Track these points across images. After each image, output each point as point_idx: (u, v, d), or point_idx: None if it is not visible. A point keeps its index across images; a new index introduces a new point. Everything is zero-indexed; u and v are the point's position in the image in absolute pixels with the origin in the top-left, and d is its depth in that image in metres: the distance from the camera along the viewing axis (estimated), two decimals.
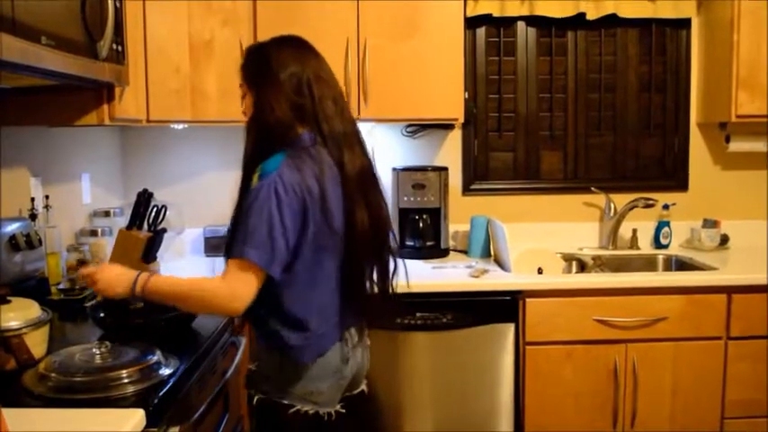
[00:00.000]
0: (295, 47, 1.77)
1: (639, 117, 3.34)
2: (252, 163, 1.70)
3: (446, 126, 3.21)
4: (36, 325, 1.63)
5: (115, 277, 1.72)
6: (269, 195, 1.59)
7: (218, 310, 1.68)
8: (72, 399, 1.43)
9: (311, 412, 1.72)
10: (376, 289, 1.83)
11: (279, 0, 2.75)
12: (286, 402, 1.71)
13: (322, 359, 1.74)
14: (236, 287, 1.59)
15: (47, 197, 2.35)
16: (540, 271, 2.88)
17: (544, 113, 3.32)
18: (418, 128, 3.23)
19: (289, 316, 1.69)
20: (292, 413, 1.71)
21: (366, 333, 1.94)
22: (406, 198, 3.02)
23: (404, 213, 3.04)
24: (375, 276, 1.82)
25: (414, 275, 2.61)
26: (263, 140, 1.71)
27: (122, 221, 2.50)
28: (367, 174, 1.78)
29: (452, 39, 2.83)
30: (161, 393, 1.49)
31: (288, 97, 1.69)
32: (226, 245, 1.71)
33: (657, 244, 3.25)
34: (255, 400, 1.75)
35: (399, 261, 1.89)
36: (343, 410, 1.80)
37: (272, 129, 1.69)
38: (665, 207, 3.25)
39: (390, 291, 1.86)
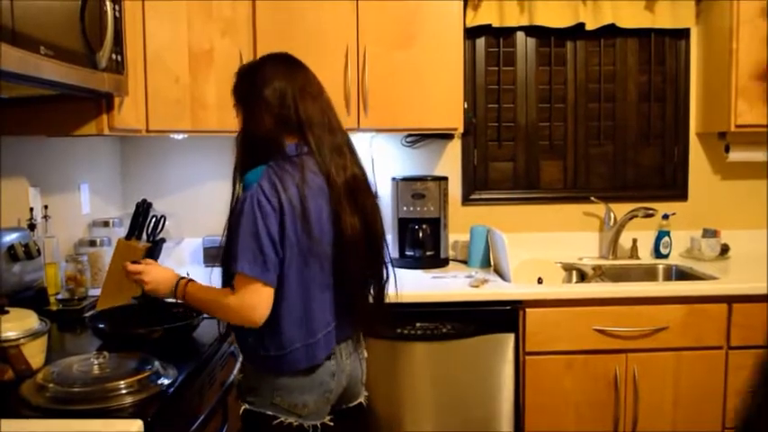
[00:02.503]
0: (281, 63, 1.82)
1: (639, 127, 3.35)
2: (237, 174, 1.77)
3: (446, 136, 3.22)
4: (34, 335, 1.62)
5: (162, 279, 1.85)
6: (252, 207, 1.64)
7: (240, 322, 1.72)
8: (70, 409, 1.42)
9: (295, 424, 1.73)
10: (371, 298, 1.85)
11: (278, 1, 2.75)
12: (270, 414, 1.72)
13: (307, 372, 1.73)
14: (246, 300, 1.66)
15: (46, 207, 2.34)
16: (540, 281, 2.88)
17: (544, 123, 3.32)
18: (418, 138, 3.23)
19: (271, 325, 1.69)
20: (276, 425, 1.72)
21: (362, 345, 1.93)
22: (405, 208, 3.02)
23: (403, 223, 3.03)
24: (371, 285, 1.84)
25: (413, 285, 2.65)
26: (249, 153, 1.77)
27: (121, 231, 2.50)
28: (358, 182, 1.79)
29: (452, 48, 2.83)
30: (159, 404, 1.48)
31: (271, 111, 1.74)
32: (222, 254, 1.76)
33: (657, 254, 3.24)
34: (242, 410, 1.77)
35: (391, 270, 1.90)
36: (332, 423, 1.80)
37: (258, 141, 1.75)
38: (665, 217, 3.24)
39: (383, 300, 1.87)
